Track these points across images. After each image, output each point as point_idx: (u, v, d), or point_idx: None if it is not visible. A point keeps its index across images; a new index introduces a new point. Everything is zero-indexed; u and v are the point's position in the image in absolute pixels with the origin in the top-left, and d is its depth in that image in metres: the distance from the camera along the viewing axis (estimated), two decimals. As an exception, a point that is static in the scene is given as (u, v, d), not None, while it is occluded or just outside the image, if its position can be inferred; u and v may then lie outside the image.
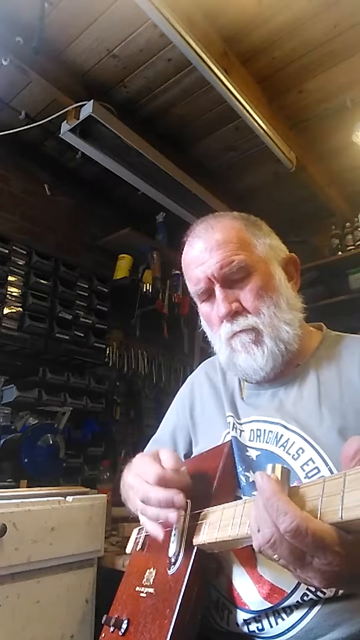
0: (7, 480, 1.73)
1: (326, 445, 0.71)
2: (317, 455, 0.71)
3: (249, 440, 0.80)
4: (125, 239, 2.62)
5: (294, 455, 0.73)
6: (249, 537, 0.57)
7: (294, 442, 0.74)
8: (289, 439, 0.75)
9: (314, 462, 0.70)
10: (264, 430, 0.79)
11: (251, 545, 0.69)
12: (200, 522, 0.68)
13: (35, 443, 1.87)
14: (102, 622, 0.77)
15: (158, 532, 0.67)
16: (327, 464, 0.69)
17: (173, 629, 0.61)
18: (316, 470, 0.69)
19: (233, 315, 0.81)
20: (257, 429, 0.81)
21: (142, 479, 0.69)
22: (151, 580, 0.73)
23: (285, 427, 0.77)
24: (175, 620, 0.62)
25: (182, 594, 0.63)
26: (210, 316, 0.86)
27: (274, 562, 0.51)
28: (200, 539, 0.66)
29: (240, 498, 0.74)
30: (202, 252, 0.83)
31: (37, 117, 2.16)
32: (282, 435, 0.76)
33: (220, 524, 0.63)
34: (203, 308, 0.88)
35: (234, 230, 0.84)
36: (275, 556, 0.50)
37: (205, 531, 0.65)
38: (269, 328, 0.80)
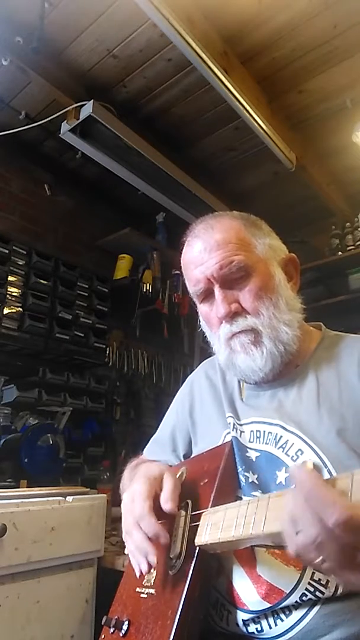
0: (7, 480, 1.73)
1: (325, 446, 0.71)
2: (315, 456, 0.71)
3: (249, 441, 0.80)
4: (125, 239, 2.62)
5: (292, 456, 0.73)
6: (253, 538, 0.57)
7: (293, 444, 0.74)
8: (288, 440, 0.75)
9: (313, 463, 0.70)
10: (264, 431, 0.79)
11: (250, 546, 0.70)
12: (201, 522, 0.68)
13: (35, 443, 1.87)
14: (102, 623, 0.77)
15: (135, 568, 0.69)
16: (325, 465, 0.69)
17: (176, 629, 0.61)
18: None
19: (232, 316, 0.81)
20: (257, 430, 0.81)
21: (129, 510, 0.71)
22: (152, 581, 0.73)
23: (284, 428, 0.77)
24: (178, 620, 0.61)
25: (184, 594, 0.63)
26: (210, 316, 0.86)
27: (315, 569, 0.48)
28: (202, 539, 0.66)
29: (241, 498, 0.74)
30: (202, 252, 0.83)
31: (37, 117, 2.16)
32: (281, 436, 0.76)
33: (223, 525, 0.62)
34: (202, 308, 0.88)
35: (233, 230, 0.84)
36: (320, 559, 0.45)
37: (208, 531, 0.65)
38: (268, 329, 0.80)
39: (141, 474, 0.76)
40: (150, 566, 0.67)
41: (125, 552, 0.88)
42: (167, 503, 0.68)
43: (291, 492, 0.48)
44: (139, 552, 0.68)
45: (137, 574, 0.71)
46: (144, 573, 0.68)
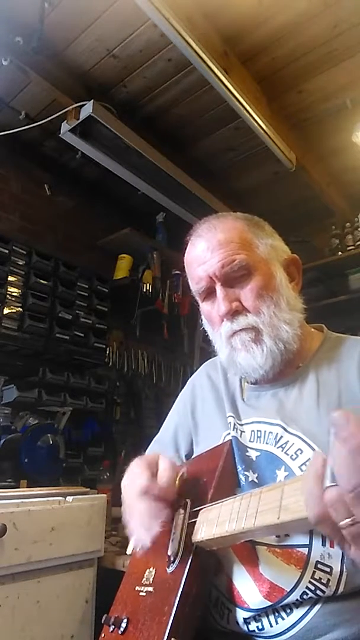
0: (7, 480, 1.73)
1: (324, 445, 0.71)
2: None
3: (249, 440, 0.81)
4: (125, 239, 2.62)
5: (292, 455, 0.74)
6: (246, 532, 0.57)
7: (293, 444, 0.75)
8: (288, 440, 0.76)
9: None
10: (264, 431, 0.80)
11: (250, 544, 0.70)
12: (199, 519, 0.68)
13: (35, 443, 1.87)
14: (102, 621, 0.77)
15: (138, 544, 0.70)
16: None
17: (171, 625, 0.61)
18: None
19: (233, 314, 0.82)
20: (258, 430, 0.81)
21: (131, 488, 0.72)
22: (151, 579, 0.74)
23: (284, 428, 0.77)
24: (174, 616, 0.62)
25: (180, 590, 0.64)
26: (211, 315, 0.86)
27: (333, 537, 0.45)
28: (198, 536, 0.66)
29: (241, 497, 0.74)
30: (204, 251, 0.84)
31: (37, 117, 2.16)
32: (281, 436, 0.77)
33: (218, 520, 0.63)
34: (204, 307, 0.89)
35: (236, 230, 0.85)
36: (348, 521, 0.42)
37: (204, 528, 0.66)
38: (269, 327, 0.81)
39: (137, 460, 0.77)
40: (160, 526, 0.67)
41: (128, 552, 0.89)
42: (164, 478, 0.69)
43: (318, 455, 0.47)
44: (145, 521, 0.67)
45: (138, 553, 0.71)
46: (150, 540, 0.68)
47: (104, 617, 0.78)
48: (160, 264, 2.67)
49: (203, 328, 0.94)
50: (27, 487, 1.68)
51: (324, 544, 0.66)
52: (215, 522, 0.63)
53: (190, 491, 0.76)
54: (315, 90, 2.10)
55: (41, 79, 1.88)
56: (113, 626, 0.73)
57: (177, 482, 0.72)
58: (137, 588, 0.75)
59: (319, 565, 0.66)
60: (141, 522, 0.68)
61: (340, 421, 0.43)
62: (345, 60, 1.93)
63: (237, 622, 0.71)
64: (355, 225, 2.87)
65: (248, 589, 0.70)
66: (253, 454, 0.79)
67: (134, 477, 0.72)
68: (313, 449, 0.72)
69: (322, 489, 0.44)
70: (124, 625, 0.71)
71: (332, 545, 0.66)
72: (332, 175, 2.72)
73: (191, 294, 0.92)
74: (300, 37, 1.83)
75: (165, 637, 0.60)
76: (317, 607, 0.65)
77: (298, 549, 0.68)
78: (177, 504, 0.73)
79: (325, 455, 0.46)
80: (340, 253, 2.87)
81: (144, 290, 2.59)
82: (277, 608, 0.67)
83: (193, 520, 0.70)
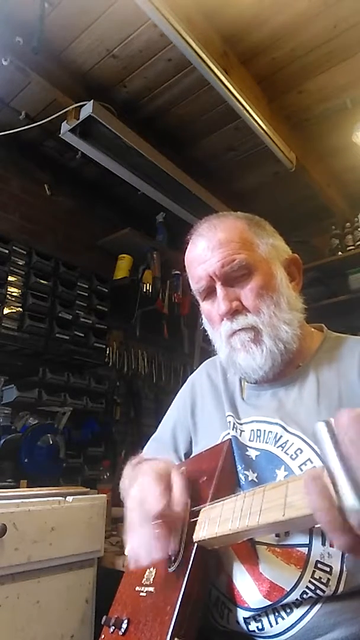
0: (7, 480, 1.73)
1: None
2: (315, 455, 0.71)
3: (249, 440, 0.81)
4: (125, 239, 2.62)
5: (292, 455, 0.74)
6: (249, 530, 0.57)
7: (292, 443, 0.75)
8: (287, 440, 0.76)
9: (312, 462, 0.71)
10: (264, 430, 0.80)
11: (251, 543, 0.70)
12: (200, 518, 0.68)
13: (35, 443, 1.87)
14: (102, 622, 0.77)
15: (133, 563, 0.67)
16: None
17: (174, 624, 0.61)
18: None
19: (233, 313, 0.82)
20: (257, 430, 0.81)
21: (140, 504, 0.68)
22: (151, 580, 0.73)
23: (284, 428, 0.77)
24: (177, 616, 0.62)
25: (182, 590, 0.64)
26: (211, 314, 0.86)
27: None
28: (200, 534, 0.66)
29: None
30: (205, 250, 0.84)
31: (37, 117, 2.16)
32: (281, 436, 0.77)
33: (220, 519, 0.63)
34: (204, 306, 0.89)
35: (236, 229, 0.85)
36: None
37: (205, 527, 0.65)
38: (269, 327, 0.81)
39: (148, 469, 0.74)
40: (168, 551, 0.65)
41: (126, 549, 0.88)
42: (179, 505, 0.66)
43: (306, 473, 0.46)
44: (143, 548, 0.66)
45: (131, 567, 0.70)
46: (143, 566, 0.68)
47: (104, 618, 0.77)
48: (160, 264, 2.67)
49: (203, 328, 0.94)
50: (27, 487, 1.68)
51: (323, 544, 0.66)
52: (217, 520, 0.63)
53: (191, 490, 0.76)
54: (315, 90, 2.10)
55: (41, 79, 1.88)
56: (113, 627, 0.73)
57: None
58: (138, 588, 0.75)
59: (318, 565, 0.66)
60: (144, 546, 0.66)
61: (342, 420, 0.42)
62: (345, 60, 1.93)
63: (237, 622, 0.70)
64: (355, 225, 2.87)
65: (248, 589, 0.70)
66: (253, 453, 0.79)
67: (144, 491, 0.68)
68: (313, 449, 0.72)
69: (343, 516, 0.42)
70: (124, 626, 0.71)
71: (332, 545, 0.66)
72: (332, 175, 2.72)
73: (191, 294, 0.92)
74: (300, 37, 1.83)
75: (168, 637, 0.60)
76: (317, 606, 0.65)
77: (298, 548, 0.68)
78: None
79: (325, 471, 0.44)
80: (340, 253, 2.87)
81: (144, 290, 2.59)
82: (277, 608, 0.67)
83: (194, 519, 0.70)
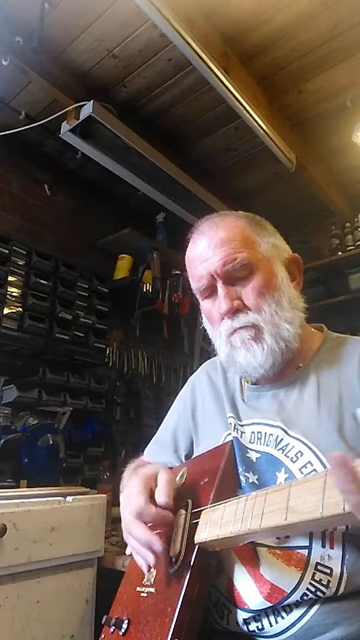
0: (7, 480, 1.73)
1: (324, 447, 0.71)
2: (315, 458, 0.71)
3: (250, 442, 0.81)
4: (125, 239, 2.62)
5: (292, 458, 0.73)
6: (251, 533, 0.57)
7: (293, 446, 0.74)
8: (288, 442, 0.75)
9: (312, 465, 0.71)
10: (265, 433, 0.80)
11: (252, 544, 0.70)
12: (201, 520, 0.68)
13: (35, 443, 1.87)
14: (102, 622, 0.77)
15: (142, 565, 0.69)
16: (325, 466, 0.69)
17: (175, 626, 0.61)
18: (314, 473, 0.69)
19: (234, 312, 0.81)
20: (258, 432, 0.81)
21: (127, 507, 0.71)
22: (152, 580, 0.73)
23: (285, 430, 0.77)
24: (177, 617, 0.62)
25: (183, 591, 0.64)
26: (212, 313, 0.86)
27: None
28: (201, 536, 0.66)
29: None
30: (206, 249, 0.83)
31: (37, 117, 2.16)
32: (282, 439, 0.76)
33: (222, 521, 0.63)
34: (205, 305, 0.88)
35: (238, 228, 0.85)
36: None
37: (207, 529, 0.65)
38: (270, 325, 0.81)
39: (136, 474, 0.77)
40: (157, 557, 0.66)
41: (127, 552, 0.89)
42: (161, 497, 0.68)
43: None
44: (142, 546, 0.68)
45: (145, 570, 0.71)
46: (151, 566, 0.68)
47: (104, 618, 0.77)
48: (160, 264, 2.66)
49: (203, 328, 0.94)
50: (27, 487, 1.68)
51: (323, 546, 0.66)
52: (219, 522, 0.63)
53: (192, 491, 0.76)
54: (315, 90, 2.09)
55: (41, 79, 1.88)
56: (114, 627, 0.73)
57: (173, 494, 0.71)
58: (138, 589, 0.75)
59: (318, 567, 0.66)
60: (137, 548, 0.69)
61: None
62: (345, 60, 1.93)
63: (237, 623, 0.70)
64: (355, 225, 2.87)
65: (248, 590, 0.70)
66: (253, 456, 0.78)
67: (130, 494, 0.72)
68: (313, 452, 0.72)
69: None
70: (125, 626, 0.71)
71: (332, 547, 0.66)
72: (332, 175, 2.72)
73: (191, 294, 0.92)
74: (300, 37, 1.82)
75: (169, 638, 0.60)
76: (317, 606, 0.65)
77: (298, 550, 0.68)
78: (178, 505, 0.73)
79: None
80: (340, 253, 2.87)
81: (144, 290, 2.59)
82: (277, 608, 0.67)
83: (195, 520, 0.70)
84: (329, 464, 0.68)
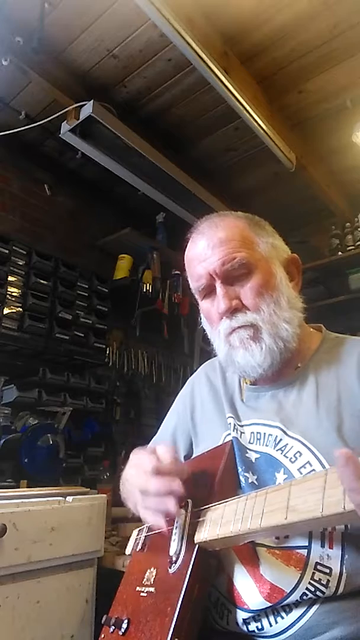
0: (7, 480, 1.73)
1: (323, 447, 0.71)
2: (314, 457, 0.71)
3: (249, 442, 0.81)
4: (125, 239, 2.62)
5: (291, 458, 0.73)
6: (251, 533, 0.57)
7: (292, 446, 0.75)
8: (287, 443, 0.75)
9: (310, 465, 0.71)
10: (264, 433, 0.80)
11: (252, 545, 0.70)
12: (201, 519, 0.68)
13: (35, 443, 1.87)
14: (102, 622, 0.77)
15: (160, 523, 0.67)
16: (323, 466, 0.69)
17: (175, 626, 0.61)
18: (313, 473, 0.69)
19: (233, 311, 0.82)
20: (257, 432, 0.81)
21: (139, 471, 0.70)
22: (152, 580, 0.73)
23: (284, 431, 0.77)
24: (177, 617, 0.62)
25: (183, 591, 0.64)
26: (210, 313, 0.86)
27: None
28: (201, 536, 0.66)
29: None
30: (205, 248, 0.84)
31: (37, 117, 2.16)
32: (280, 439, 0.77)
33: (222, 521, 0.63)
34: (203, 305, 0.88)
35: (237, 228, 0.85)
36: None
37: (207, 528, 0.65)
38: (268, 325, 0.81)
39: (133, 455, 0.77)
40: (178, 504, 0.65)
41: (127, 552, 0.88)
42: (168, 455, 0.69)
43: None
44: (163, 495, 0.65)
45: (165, 527, 0.69)
46: (174, 513, 0.66)
47: (104, 618, 0.77)
48: (160, 264, 2.66)
49: (203, 328, 0.94)
50: (27, 487, 1.68)
51: (322, 546, 0.66)
52: (219, 522, 0.63)
53: (192, 491, 0.76)
54: (315, 90, 2.10)
55: (41, 79, 1.88)
56: (113, 627, 0.73)
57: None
58: (138, 588, 0.75)
59: (318, 567, 0.66)
60: (157, 502, 0.66)
61: None
62: (345, 60, 1.93)
63: (237, 623, 0.70)
64: (355, 225, 2.86)
65: (248, 590, 0.70)
66: (253, 456, 0.78)
67: (139, 463, 0.71)
68: (312, 452, 0.72)
69: None
70: (124, 626, 0.71)
71: (331, 547, 0.66)
72: (332, 175, 2.72)
73: (191, 293, 0.92)
74: (300, 37, 1.82)
75: (169, 638, 0.60)
76: (316, 605, 0.66)
77: (297, 550, 0.68)
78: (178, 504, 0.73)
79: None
80: (340, 253, 2.87)
81: (144, 290, 2.59)
82: (276, 608, 0.67)
83: (195, 520, 0.70)
84: (327, 464, 0.69)
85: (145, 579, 0.76)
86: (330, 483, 0.48)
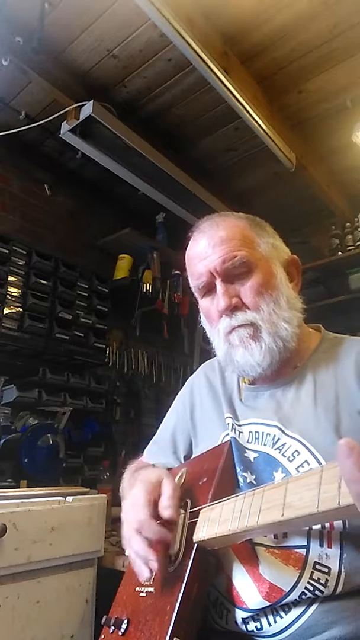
0: (7, 480, 1.73)
1: (321, 447, 0.72)
2: (312, 457, 0.71)
3: (248, 442, 0.81)
4: (125, 239, 2.62)
5: (289, 457, 0.74)
6: (249, 530, 0.57)
7: (290, 446, 0.75)
8: (285, 442, 0.76)
9: (308, 464, 0.71)
10: (262, 432, 0.80)
11: (250, 544, 0.70)
12: (199, 519, 0.68)
13: (35, 443, 1.87)
14: (102, 623, 0.77)
15: (141, 574, 0.67)
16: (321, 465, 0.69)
17: (174, 624, 0.61)
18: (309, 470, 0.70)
19: (232, 310, 0.82)
20: (256, 431, 0.81)
21: (128, 519, 0.70)
22: (151, 580, 0.74)
23: (282, 430, 0.77)
24: (176, 616, 0.62)
25: (182, 590, 0.64)
26: (210, 311, 0.87)
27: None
28: (200, 535, 0.66)
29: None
30: (206, 247, 0.84)
31: (37, 117, 2.16)
32: (279, 438, 0.77)
33: (220, 519, 0.63)
34: (203, 303, 0.89)
35: (238, 228, 0.85)
36: None
37: (205, 527, 0.66)
38: (268, 324, 0.81)
39: (140, 479, 0.76)
40: (151, 572, 0.66)
41: (127, 553, 0.88)
42: (166, 510, 0.67)
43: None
44: (139, 559, 0.67)
45: (142, 580, 0.71)
46: (146, 578, 0.68)
47: (103, 618, 0.77)
48: (160, 264, 2.66)
49: (203, 327, 0.94)
50: (27, 487, 1.68)
51: (321, 545, 0.66)
52: (217, 521, 0.64)
53: (190, 491, 0.76)
54: (315, 90, 2.10)
55: (41, 79, 1.88)
56: (113, 627, 0.73)
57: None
58: (138, 589, 0.75)
59: (317, 566, 0.66)
60: (134, 559, 0.68)
61: None
62: (345, 60, 1.93)
63: (236, 622, 0.71)
64: (355, 225, 2.86)
65: (247, 590, 0.70)
66: (251, 455, 0.79)
67: (133, 504, 0.70)
68: (310, 451, 0.72)
69: None
70: (124, 626, 0.71)
71: (329, 546, 0.66)
72: (332, 175, 2.72)
73: (191, 293, 0.92)
74: (300, 37, 1.82)
75: (168, 637, 0.60)
76: (315, 605, 0.66)
77: (296, 549, 0.68)
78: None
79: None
80: (340, 253, 2.87)
81: (144, 290, 2.59)
82: (275, 607, 0.67)
83: (194, 519, 0.70)
84: (325, 463, 0.69)
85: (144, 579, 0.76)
86: (325, 479, 0.49)
